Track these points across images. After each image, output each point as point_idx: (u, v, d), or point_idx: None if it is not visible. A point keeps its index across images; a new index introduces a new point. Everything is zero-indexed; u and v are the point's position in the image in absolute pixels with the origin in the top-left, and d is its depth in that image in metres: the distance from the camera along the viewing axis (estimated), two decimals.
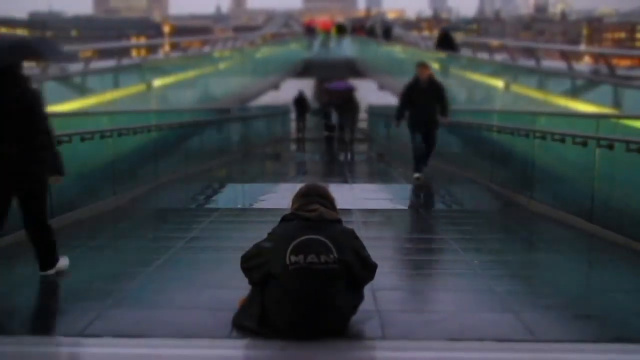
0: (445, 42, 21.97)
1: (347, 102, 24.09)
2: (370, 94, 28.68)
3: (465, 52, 22.68)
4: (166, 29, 78.86)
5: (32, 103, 4.61)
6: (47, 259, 4.85)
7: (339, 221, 3.77)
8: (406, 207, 9.28)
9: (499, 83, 15.59)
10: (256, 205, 9.79)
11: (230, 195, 10.62)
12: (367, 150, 21.25)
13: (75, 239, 6.38)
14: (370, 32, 41.63)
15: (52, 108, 9.44)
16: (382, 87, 28.55)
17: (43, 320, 3.90)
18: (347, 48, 38.13)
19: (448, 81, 19.99)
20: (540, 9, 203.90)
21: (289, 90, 29.51)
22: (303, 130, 25.15)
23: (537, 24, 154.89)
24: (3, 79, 4.54)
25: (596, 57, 24.17)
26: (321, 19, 58.11)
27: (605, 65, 16.25)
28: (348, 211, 7.79)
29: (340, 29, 49.53)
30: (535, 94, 13.77)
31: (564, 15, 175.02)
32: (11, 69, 4.58)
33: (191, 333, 3.67)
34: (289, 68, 31.42)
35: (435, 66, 22.12)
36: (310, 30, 47.59)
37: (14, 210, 4.75)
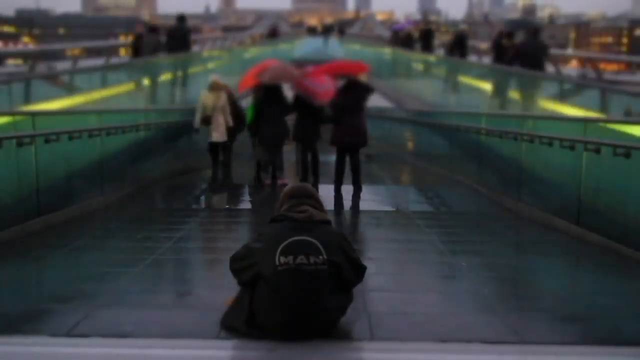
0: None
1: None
2: None
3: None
4: None
5: None
6: None
7: (329, 222, 3.78)
8: (394, 209, 9.29)
9: (487, 86, 15.64)
10: (244, 206, 9.79)
11: (219, 195, 10.58)
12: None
13: (63, 238, 6.35)
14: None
15: (40, 106, 9.41)
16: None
17: (30, 320, 3.87)
18: (336, 49, 38.13)
19: (437, 83, 20.09)
20: (529, 13, 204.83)
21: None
22: None
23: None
24: None
25: (584, 61, 24.34)
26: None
27: (592, 70, 16.36)
28: (337, 212, 7.79)
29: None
30: (524, 97, 13.83)
31: (551, 19, 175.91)
32: None
33: (179, 333, 3.67)
34: None
35: (420, 67, 22.19)
36: None
37: None
